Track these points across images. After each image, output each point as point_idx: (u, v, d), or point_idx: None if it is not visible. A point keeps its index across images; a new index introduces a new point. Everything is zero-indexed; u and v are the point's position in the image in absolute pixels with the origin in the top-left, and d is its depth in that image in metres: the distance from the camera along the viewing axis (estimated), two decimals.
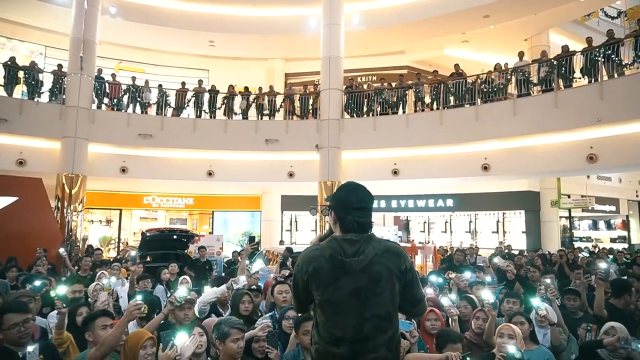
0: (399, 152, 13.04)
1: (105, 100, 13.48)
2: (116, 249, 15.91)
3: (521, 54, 12.42)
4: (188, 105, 14.00)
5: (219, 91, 14.20)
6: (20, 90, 12.84)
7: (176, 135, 13.32)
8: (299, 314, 2.89)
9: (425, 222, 17.51)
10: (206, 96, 14.06)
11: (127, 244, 15.76)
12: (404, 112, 13.47)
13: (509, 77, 12.01)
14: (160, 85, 14.04)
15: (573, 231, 17.54)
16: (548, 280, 4.68)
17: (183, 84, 14.38)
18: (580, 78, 10.89)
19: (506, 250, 12.50)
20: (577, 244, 15.50)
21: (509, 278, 5.62)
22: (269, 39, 15.99)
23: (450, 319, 3.67)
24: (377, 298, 1.89)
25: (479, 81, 12.25)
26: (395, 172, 13.06)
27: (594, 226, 17.47)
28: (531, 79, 11.60)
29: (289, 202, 17.54)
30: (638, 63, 9.83)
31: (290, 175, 13.85)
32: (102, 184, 14.73)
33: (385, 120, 13.14)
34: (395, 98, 13.40)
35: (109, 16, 14.22)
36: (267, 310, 4.50)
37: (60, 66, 13.18)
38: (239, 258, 7.23)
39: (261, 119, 14.12)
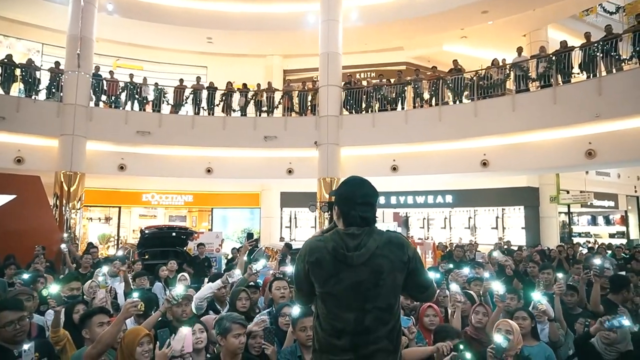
0: (398, 149, 13.04)
1: (103, 97, 13.45)
2: (115, 246, 15.90)
3: (520, 50, 12.38)
4: (186, 102, 13.97)
5: (217, 88, 14.17)
6: (17, 88, 12.81)
7: (174, 133, 13.30)
8: (300, 306, 2.88)
9: (424, 219, 17.48)
10: (204, 93, 14.02)
11: (126, 241, 15.76)
12: (402, 108, 13.48)
13: (507, 73, 12.01)
14: (156, 84, 14.00)
15: (572, 227, 17.57)
16: (560, 275, 4.62)
17: (181, 81, 14.34)
18: (578, 73, 10.88)
19: (505, 246, 12.50)
20: (575, 240, 15.51)
21: (508, 274, 5.62)
22: (267, 36, 15.93)
23: (449, 311, 3.65)
24: (378, 290, 1.89)
25: (478, 77, 12.23)
26: (394, 169, 13.07)
27: (593, 222, 17.46)
28: (530, 74, 11.58)
29: (288, 199, 17.54)
30: (636, 58, 9.81)
31: (289, 172, 13.85)
32: (101, 182, 14.70)
33: (384, 117, 13.14)
34: (394, 94, 13.40)
35: (106, 13, 14.14)
36: (265, 306, 4.49)
37: (57, 64, 13.14)
38: (238, 255, 7.21)
39: (260, 115, 14.10)
